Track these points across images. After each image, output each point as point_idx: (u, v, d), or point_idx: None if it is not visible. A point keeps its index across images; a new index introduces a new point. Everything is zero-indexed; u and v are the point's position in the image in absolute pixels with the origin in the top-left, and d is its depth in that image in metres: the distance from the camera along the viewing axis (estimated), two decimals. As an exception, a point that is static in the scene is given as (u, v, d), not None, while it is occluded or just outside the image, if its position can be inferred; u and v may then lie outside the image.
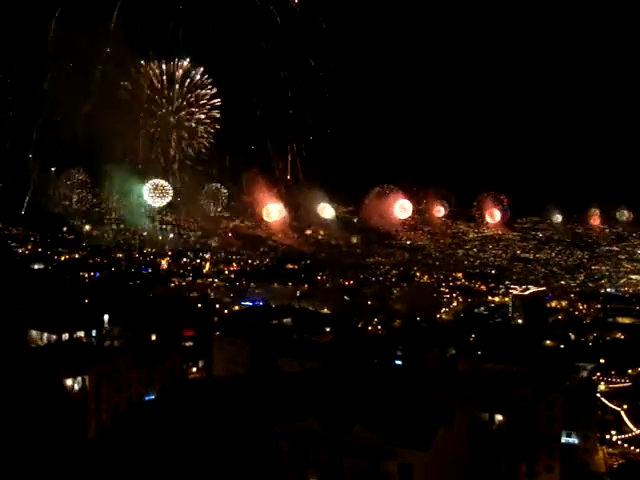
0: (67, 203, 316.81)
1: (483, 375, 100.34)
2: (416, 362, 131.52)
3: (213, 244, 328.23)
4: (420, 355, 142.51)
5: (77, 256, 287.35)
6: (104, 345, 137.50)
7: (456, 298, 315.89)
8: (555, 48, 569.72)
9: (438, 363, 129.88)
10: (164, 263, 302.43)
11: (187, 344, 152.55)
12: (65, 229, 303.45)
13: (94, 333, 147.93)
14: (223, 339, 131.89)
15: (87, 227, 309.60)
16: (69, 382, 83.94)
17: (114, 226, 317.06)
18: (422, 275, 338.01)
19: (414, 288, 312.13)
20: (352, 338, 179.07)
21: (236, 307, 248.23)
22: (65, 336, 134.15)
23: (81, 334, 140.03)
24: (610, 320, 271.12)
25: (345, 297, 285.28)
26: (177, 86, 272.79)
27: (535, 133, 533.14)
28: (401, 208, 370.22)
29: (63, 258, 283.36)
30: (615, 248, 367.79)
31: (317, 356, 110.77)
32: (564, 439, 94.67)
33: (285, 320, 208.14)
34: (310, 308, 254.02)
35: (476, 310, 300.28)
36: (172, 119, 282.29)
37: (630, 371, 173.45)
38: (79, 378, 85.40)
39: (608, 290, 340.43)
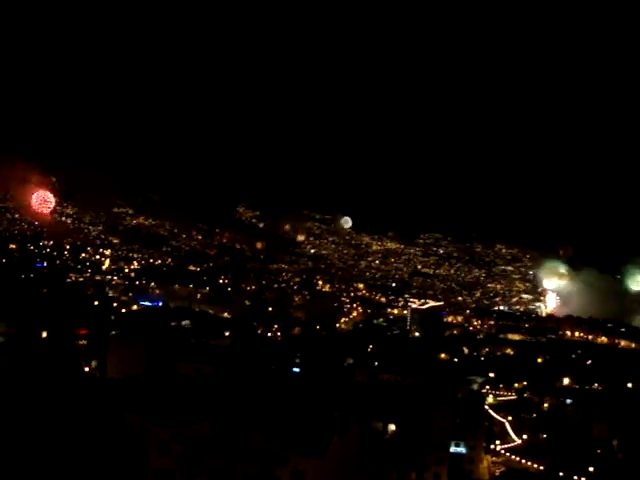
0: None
1: (379, 385, 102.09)
2: (313, 370, 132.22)
3: (114, 240, 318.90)
4: (318, 363, 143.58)
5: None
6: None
7: (356, 308, 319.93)
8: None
9: (335, 372, 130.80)
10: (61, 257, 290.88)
11: (81, 343, 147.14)
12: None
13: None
14: (119, 339, 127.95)
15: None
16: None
17: (8, 215, 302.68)
18: (324, 284, 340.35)
19: (315, 296, 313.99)
20: (251, 344, 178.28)
21: (134, 306, 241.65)
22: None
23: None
24: (501, 336, 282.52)
25: (246, 302, 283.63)
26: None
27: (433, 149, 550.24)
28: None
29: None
30: (510, 268, 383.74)
31: (215, 360, 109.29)
32: (452, 449, 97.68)
33: (184, 322, 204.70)
34: (210, 311, 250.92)
35: (375, 321, 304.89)
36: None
37: (516, 385, 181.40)
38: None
39: (501, 308, 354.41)
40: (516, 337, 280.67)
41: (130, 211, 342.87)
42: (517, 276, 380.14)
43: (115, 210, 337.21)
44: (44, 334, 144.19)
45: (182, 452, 54.09)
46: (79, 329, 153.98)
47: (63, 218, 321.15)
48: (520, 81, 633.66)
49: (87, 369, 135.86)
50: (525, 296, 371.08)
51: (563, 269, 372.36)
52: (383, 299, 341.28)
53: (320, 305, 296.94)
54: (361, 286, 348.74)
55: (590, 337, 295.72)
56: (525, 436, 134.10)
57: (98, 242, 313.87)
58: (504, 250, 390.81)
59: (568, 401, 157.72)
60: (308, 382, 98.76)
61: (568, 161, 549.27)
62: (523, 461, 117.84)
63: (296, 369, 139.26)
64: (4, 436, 55.51)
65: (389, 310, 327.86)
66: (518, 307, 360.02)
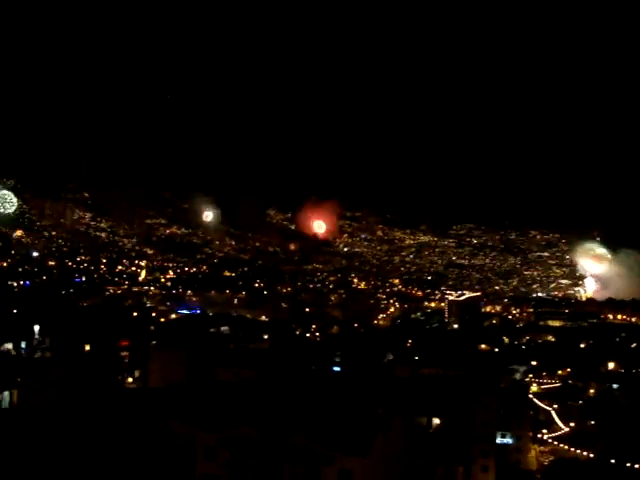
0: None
1: (420, 380, 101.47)
2: (354, 368, 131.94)
3: (149, 251, 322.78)
4: (358, 361, 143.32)
5: (5, 264, 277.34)
6: (34, 357, 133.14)
7: (393, 304, 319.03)
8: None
9: (376, 369, 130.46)
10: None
11: (122, 354, 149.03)
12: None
13: (24, 345, 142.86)
14: (159, 349, 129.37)
15: (17, 233, 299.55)
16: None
17: (46, 233, 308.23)
18: (359, 282, 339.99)
19: (351, 294, 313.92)
20: (290, 345, 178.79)
21: (173, 315, 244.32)
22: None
23: (9, 346, 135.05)
24: (541, 323, 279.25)
25: (283, 304, 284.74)
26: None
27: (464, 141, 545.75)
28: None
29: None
30: (546, 254, 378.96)
31: (255, 364, 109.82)
32: (498, 440, 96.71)
33: (222, 328, 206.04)
34: (248, 316, 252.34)
35: (413, 316, 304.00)
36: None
37: (560, 372, 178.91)
38: (6, 393, 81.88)
39: (539, 294, 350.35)
40: (557, 323, 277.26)
41: (163, 221, 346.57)
42: (554, 262, 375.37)
43: (148, 221, 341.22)
44: (87, 347, 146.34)
45: (228, 456, 54.54)
46: (120, 341, 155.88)
47: (98, 233, 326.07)
48: (548, 67, 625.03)
49: (130, 379, 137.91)
50: (563, 281, 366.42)
51: (601, 252, 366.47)
52: (419, 293, 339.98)
53: (357, 303, 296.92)
54: (397, 281, 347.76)
55: (634, 320, 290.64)
56: (572, 424, 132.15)
57: (133, 254, 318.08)
58: (539, 236, 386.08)
59: (615, 386, 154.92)
60: (349, 380, 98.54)
61: (599, 143, 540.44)
62: (572, 449, 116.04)
63: (336, 368, 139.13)
64: (58, 449, 56.54)
65: (426, 304, 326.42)
66: (557, 293, 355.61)
